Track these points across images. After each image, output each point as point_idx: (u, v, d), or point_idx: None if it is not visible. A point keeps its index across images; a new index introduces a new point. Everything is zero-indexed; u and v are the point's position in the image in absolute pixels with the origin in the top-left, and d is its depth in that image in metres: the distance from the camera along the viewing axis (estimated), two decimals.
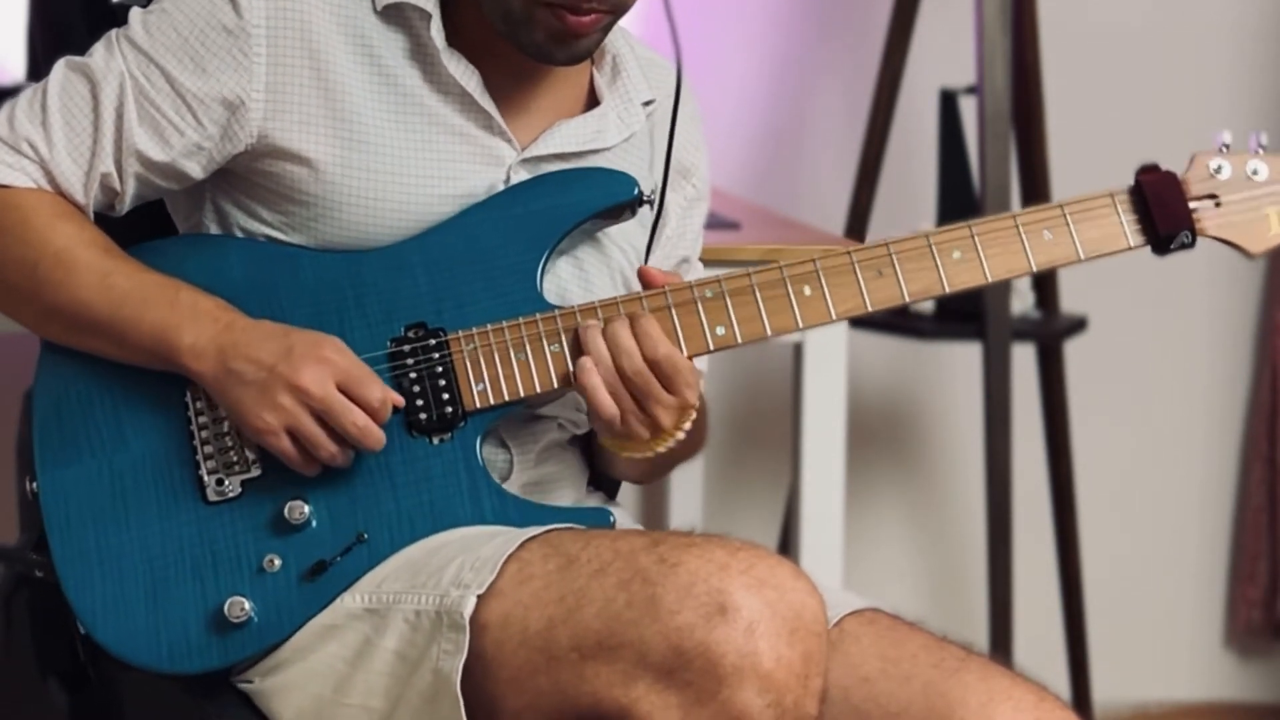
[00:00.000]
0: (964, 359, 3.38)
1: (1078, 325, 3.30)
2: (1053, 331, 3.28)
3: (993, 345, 3.06)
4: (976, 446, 3.27)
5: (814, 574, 2.53)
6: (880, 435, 3.53)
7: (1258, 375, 3.58)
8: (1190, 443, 3.61)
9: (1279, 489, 3.54)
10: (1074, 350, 3.37)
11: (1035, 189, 3.21)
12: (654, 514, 3.32)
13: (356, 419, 1.75)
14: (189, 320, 1.78)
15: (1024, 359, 3.30)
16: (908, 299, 1.82)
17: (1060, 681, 3.36)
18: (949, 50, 3.27)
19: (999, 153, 3.04)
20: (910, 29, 3.15)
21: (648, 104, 1.93)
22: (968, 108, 3.16)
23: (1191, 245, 1.85)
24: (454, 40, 1.85)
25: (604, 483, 2.01)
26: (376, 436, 1.76)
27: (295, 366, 1.75)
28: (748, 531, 3.22)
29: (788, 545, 2.99)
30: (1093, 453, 3.48)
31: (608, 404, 1.77)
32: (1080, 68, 3.43)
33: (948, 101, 3.19)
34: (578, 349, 1.79)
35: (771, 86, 3.40)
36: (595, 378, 1.76)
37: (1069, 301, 3.32)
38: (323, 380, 1.75)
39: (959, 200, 3.16)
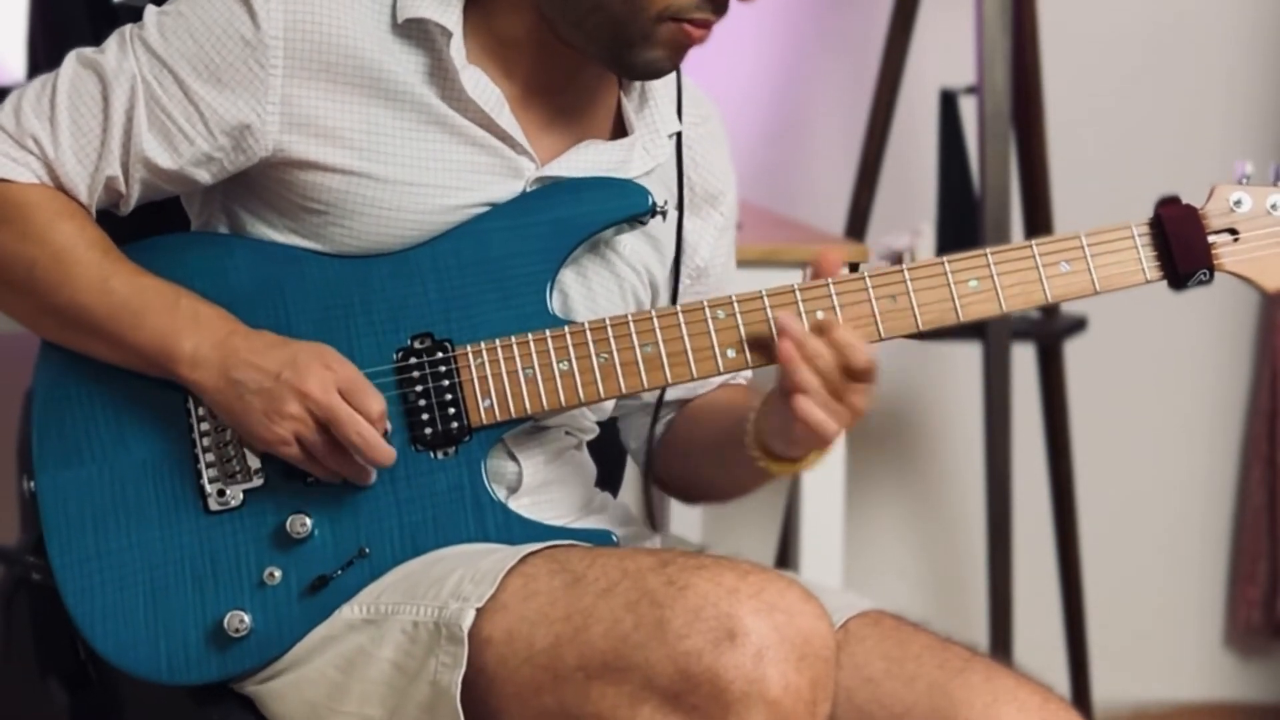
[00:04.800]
0: (964, 359, 3.38)
1: (1078, 325, 3.30)
2: (1053, 332, 3.28)
3: (993, 345, 3.06)
4: (976, 446, 3.27)
5: (814, 574, 2.54)
6: (880, 435, 3.52)
7: (1258, 375, 3.58)
8: (1190, 443, 3.60)
9: (1279, 489, 3.54)
10: (1074, 350, 3.37)
11: (1035, 189, 3.21)
12: (655, 510, 3.31)
13: (361, 428, 1.73)
14: (189, 328, 1.76)
15: (1024, 359, 3.30)
16: (921, 328, 1.79)
17: (1060, 681, 3.36)
18: (949, 50, 3.27)
19: (999, 153, 3.04)
20: (910, 29, 3.15)
21: (673, 135, 1.90)
22: (968, 108, 3.16)
23: (1209, 282, 1.81)
24: (480, 54, 1.83)
25: (608, 479, 2.01)
26: (382, 449, 1.75)
27: (301, 373, 1.73)
28: (747, 530, 3.24)
29: (788, 545, 2.99)
30: (1093, 453, 3.47)
31: (819, 418, 1.73)
32: (1080, 68, 3.43)
33: (948, 101, 3.19)
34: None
35: (771, 86, 3.40)
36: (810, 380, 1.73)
37: (1068, 302, 3.31)
38: (327, 387, 1.73)
39: (959, 200, 3.16)
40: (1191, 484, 3.61)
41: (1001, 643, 3.09)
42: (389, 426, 1.76)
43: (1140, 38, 3.48)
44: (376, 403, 1.74)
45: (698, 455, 1.96)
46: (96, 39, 1.82)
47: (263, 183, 1.82)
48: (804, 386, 1.73)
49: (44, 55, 2.38)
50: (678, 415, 2.00)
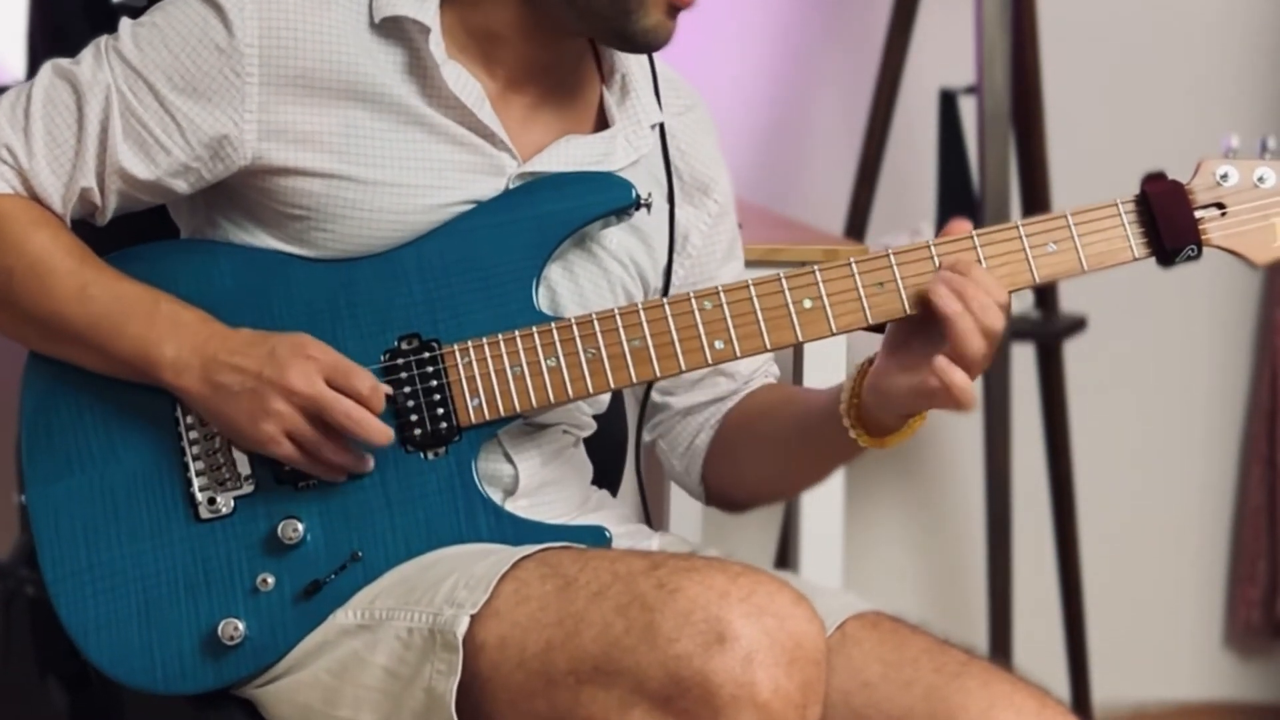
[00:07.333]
0: None
1: (1077, 325, 3.30)
2: (1052, 331, 3.28)
3: None
4: (976, 446, 3.27)
5: (814, 575, 2.54)
6: None
7: (1257, 375, 3.58)
8: (1190, 443, 3.60)
9: (1278, 489, 3.54)
10: (1074, 350, 3.37)
11: (1035, 189, 3.21)
12: (654, 510, 3.31)
13: (350, 409, 1.73)
14: (169, 334, 1.76)
15: (1024, 359, 3.30)
16: (908, 312, 1.78)
17: (1060, 681, 3.36)
18: (949, 50, 3.27)
19: (999, 153, 3.04)
20: (910, 29, 3.15)
21: (655, 126, 1.90)
22: (967, 108, 3.16)
23: (1197, 257, 1.80)
24: (458, 50, 1.83)
25: (606, 477, 2.01)
26: (375, 427, 1.75)
27: (281, 369, 1.73)
28: (747, 530, 3.24)
29: (787, 545, 2.99)
30: (1092, 453, 3.47)
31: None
32: (1080, 68, 3.43)
33: (947, 101, 3.19)
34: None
35: (771, 86, 3.39)
36: (968, 320, 1.74)
37: (1068, 301, 3.32)
38: (310, 377, 1.73)
39: (958, 200, 3.16)
40: (1191, 483, 3.61)
41: (1001, 642, 3.09)
42: (382, 400, 1.75)
43: (1140, 37, 3.48)
44: (365, 380, 1.74)
45: (762, 450, 1.94)
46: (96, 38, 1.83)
47: (243, 192, 1.82)
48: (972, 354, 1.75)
49: (44, 55, 2.38)
50: (726, 419, 1.98)
